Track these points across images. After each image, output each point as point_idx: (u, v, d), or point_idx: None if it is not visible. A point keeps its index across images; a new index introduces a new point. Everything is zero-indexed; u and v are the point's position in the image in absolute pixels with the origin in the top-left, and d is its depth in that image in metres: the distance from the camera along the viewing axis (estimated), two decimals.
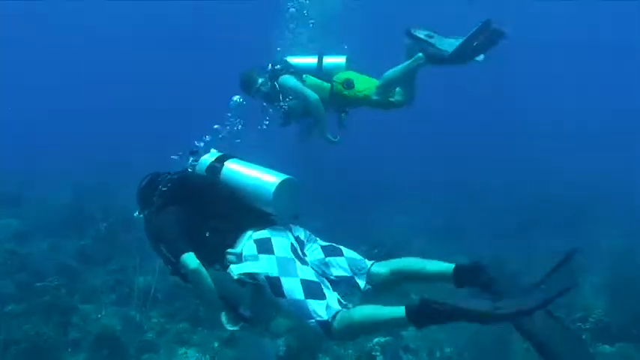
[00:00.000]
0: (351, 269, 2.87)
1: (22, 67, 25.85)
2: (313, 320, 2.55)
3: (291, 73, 4.61)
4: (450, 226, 9.69)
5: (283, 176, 3.03)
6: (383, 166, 14.21)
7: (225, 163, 3.18)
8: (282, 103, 4.62)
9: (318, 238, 3.07)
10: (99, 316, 6.21)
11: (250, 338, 5.85)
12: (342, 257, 2.92)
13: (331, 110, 4.73)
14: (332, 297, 2.65)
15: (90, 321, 6.11)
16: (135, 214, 3.26)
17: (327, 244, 3.02)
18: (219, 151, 3.34)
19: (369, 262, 2.90)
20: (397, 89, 4.55)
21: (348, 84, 4.58)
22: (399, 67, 4.36)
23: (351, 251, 2.97)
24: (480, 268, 2.56)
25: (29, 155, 15.39)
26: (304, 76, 4.62)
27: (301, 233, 3.04)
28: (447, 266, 2.69)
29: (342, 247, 2.99)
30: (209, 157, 3.27)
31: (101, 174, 11.86)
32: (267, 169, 3.10)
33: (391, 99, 4.57)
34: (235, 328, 2.84)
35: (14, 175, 12.05)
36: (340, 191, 11.54)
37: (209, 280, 2.79)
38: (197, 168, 3.28)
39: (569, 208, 10.06)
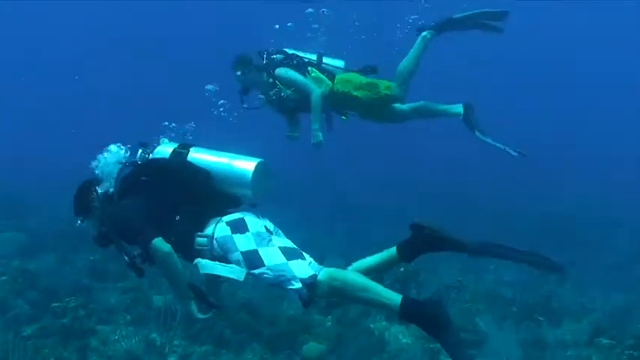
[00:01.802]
0: None
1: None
2: (297, 281, 2.53)
3: (293, 66, 4.41)
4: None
5: (257, 159, 2.99)
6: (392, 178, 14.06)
7: (191, 150, 3.06)
8: (271, 93, 4.39)
9: (282, 234, 2.99)
10: (116, 338, 5.93)
11: None
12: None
13: (326, 109, 4.49)
14: (311, 258, 2.68)
15: (109, 344, 5.84)
16: (77, 223, 3.03)
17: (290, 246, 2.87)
18: (170, 141, 3.19)
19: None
20: (390, 84, 4.37)
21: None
22: (410, 55, 4.34)
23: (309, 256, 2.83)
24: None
25: (17, 163, 14.91)
26: (310, 68, 4.43)
27: (270, 225, 2.96)
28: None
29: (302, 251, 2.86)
30: (167, 146, 3.11)
31: None
32: (237, 155, 3.05)
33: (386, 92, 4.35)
34: (207, 316, 2.85)
35: (8, 185, 11.59)
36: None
37: (179, 264, 2.75)
38: (155, 156, 3.10)
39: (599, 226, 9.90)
